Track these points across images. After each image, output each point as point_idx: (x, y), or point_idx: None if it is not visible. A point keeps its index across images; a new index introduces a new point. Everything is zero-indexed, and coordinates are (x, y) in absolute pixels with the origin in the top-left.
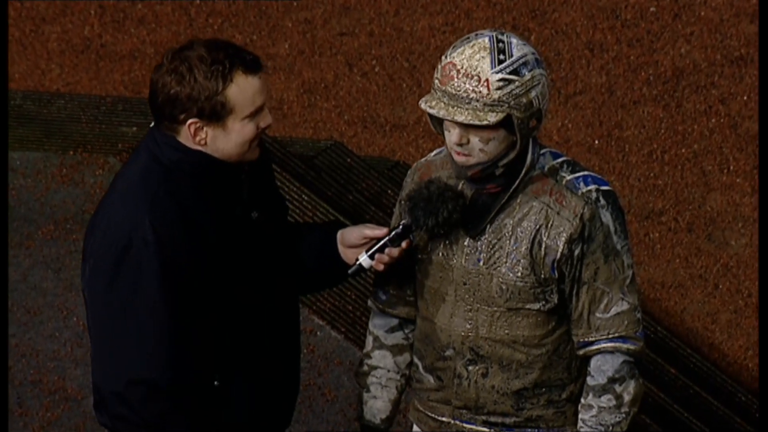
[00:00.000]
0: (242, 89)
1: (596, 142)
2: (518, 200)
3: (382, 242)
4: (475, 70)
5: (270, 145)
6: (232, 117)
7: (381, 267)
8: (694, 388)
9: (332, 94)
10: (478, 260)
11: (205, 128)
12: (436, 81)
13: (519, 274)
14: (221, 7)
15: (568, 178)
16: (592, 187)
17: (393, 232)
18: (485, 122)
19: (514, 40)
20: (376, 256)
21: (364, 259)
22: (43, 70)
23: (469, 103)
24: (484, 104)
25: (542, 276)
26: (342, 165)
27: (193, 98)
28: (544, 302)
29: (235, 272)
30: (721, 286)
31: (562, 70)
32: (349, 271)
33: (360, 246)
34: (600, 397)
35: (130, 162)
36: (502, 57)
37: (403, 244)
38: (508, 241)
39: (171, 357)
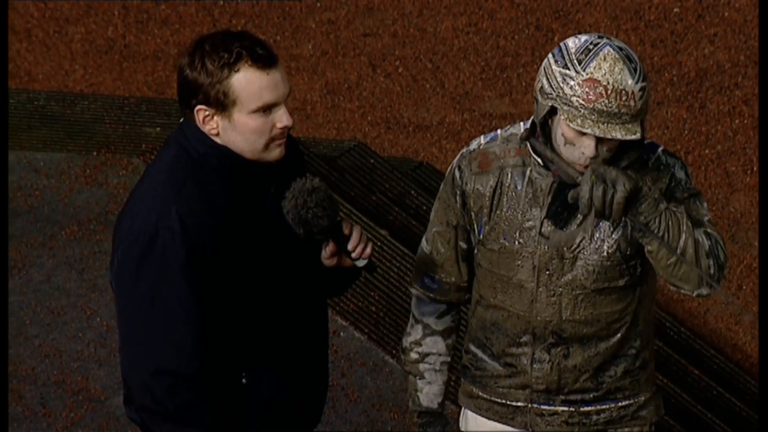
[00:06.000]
0: (248, 81)
1: None
2: None
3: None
4: (621, 85)
5: None
6: (237, 109)
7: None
8: (718, 389)
9: (355, 94)
10: (562, 246)
11: (215, 117)
12: (578, 100)
13: (605, 253)
14: (245, 7)
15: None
16: (659, 151)
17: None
18: (635, 135)
19: (622, 43)
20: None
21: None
22: (67, 71)
23: (619, 118)
24: (632, 116)
25: (628, 252)
26: (365, 166)
27: (198, 83)
28: (629, 276)
29: (262, 266)
30: (744, 287)
31: None
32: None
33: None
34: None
35: (160, 154)
36: (633, 66)
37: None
38: (590, 223)
39: (197, 347)
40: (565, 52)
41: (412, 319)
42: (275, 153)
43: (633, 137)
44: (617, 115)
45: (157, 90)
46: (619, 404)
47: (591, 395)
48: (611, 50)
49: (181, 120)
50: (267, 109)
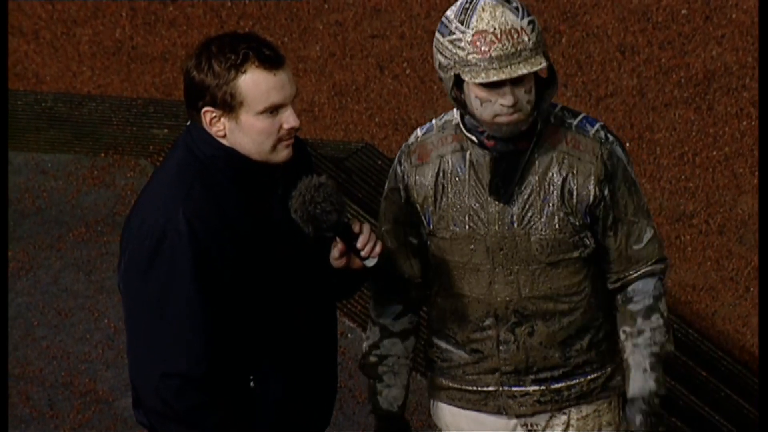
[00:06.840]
0: (255, 83)
1: (627, 144)
2: (536, 155)
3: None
4: (507, 26)
5: None
6: (244, 110)
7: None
8: (726, 390)
9: (363, 96)
10: (512, 223)
11: (222, 119)
12: (474, 56)
13: (556, 226)
14: (252, 9)
15: (575, 123)
16: (597, 126)
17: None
18: (542, 65)
19: None
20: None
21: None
22: (75, 73)
23: (519, 55)
24: (531, 50)
25: (577, 224)
26: (373, 167)
27: (205, 85)
28: (583, 248)
29: (269, 268)
30: (752, 289)
31: (593, 72)
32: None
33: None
34: (650, 317)
35: (167, 156)
36: (514, 5)
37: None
38: (537, 197)
39: (205, 350)
40: (446, 23)
41: (370, 322)
42: (282, 155)
43: (540, 68)
44: (516, 54)
45: (165, 91)
46: (588, 377)
47: (560, 371)
48: (487, 0)
49: (188, 122)
50: (274, 110)
